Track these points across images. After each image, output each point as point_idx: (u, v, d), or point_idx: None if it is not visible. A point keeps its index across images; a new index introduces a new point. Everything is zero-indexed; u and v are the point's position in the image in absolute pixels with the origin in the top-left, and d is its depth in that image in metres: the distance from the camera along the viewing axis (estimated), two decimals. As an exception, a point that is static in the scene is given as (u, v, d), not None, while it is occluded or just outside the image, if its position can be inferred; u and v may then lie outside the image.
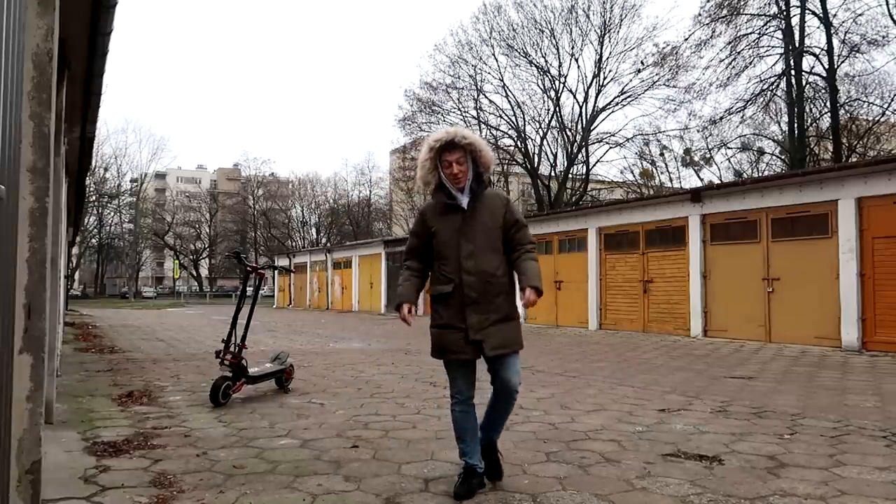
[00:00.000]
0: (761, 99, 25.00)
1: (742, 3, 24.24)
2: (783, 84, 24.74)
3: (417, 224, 3.50)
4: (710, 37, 24.91)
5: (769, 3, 24.32)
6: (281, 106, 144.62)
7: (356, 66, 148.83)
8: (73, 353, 10.56)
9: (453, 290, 3.27)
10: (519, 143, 33.62)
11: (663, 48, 28.41)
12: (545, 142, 33.19)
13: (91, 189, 45.52)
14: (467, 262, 3.26)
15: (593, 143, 32.27)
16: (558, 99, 31.90)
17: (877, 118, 24.72)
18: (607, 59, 30.78)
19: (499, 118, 33.90)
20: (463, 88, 33.70)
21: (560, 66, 31.57)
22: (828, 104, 24.03)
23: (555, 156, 33.21)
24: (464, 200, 3.34)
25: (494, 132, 34.03)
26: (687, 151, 32.89)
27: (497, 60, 32.98)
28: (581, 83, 33.39)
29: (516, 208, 3.46)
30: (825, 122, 24.81)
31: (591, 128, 31.62)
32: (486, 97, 33.95)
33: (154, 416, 5.36)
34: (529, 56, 31.88)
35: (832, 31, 23.13)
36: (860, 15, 22.57)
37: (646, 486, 3.48)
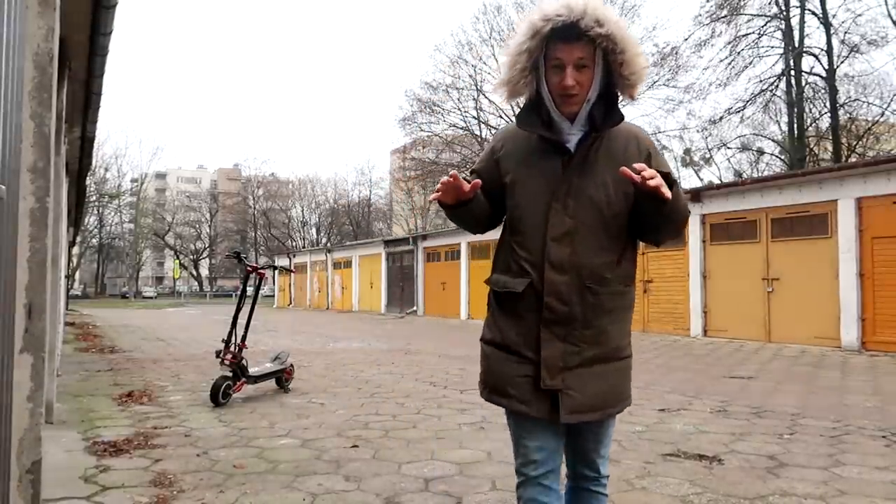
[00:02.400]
0: (761, 99, 25.04)
1: (742, 3, 24.26)
2: (783, 84, 24.77)
3: (483, 160, 2.01)
4: (710, 37, 24.95)
5: (769, 4, 24.36)
6: (281, 106, 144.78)
7: (356, 67, 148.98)
8: (73, 352, 10.56)
9: (526, 291, 1.84)
10: (519, 142, 33.58)
11: (663, 48, 28.41)
12: (545, 142, 33.13)
13: (91, 189, 45.55)
14: (558, 248, 1.80)
15: (593, 143, 32.25)
16: (558, 99, 31.87)
17: (876, 118, 24.74)
18: (607, 58, 30.76)
19: (499, 118, 33.93)
20: (463, 88, 33.77)
21: (560, 66, 31.57)
22: (827, 104, 24.05)
23: (555, 156, 33.20)
24: (572, 136, 1.84)
25: (494, 132, 34.07)
26: (687, 151, 32.91)
27: (497, 60, 32.99)
28: (581, 83, 33.37)
29: (665, 160, 1.92)
30: (825, 122, 24.84)
31: (591, 128, 31.59)
32: (486, 97, 33.99)
33: (154, 415, 5.36)
34: (529, 56, 31.86)
35: (832, 32, 23.16)
36: (860, 15, 22.69)
37: (646, 486, 3.48)
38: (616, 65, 1.76)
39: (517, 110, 1.96)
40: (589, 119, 1.83)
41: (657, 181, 1.64)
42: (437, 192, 1.83)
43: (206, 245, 72.58)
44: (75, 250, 45.13)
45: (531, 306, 1.83)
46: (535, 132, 1.87)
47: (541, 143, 1.87)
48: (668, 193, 1.66)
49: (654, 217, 1.78)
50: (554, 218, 1.81)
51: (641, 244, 1.97)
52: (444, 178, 1.80)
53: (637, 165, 1.66)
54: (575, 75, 1.75)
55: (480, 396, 2.01)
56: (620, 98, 1.85)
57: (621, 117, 1.83)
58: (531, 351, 1.83)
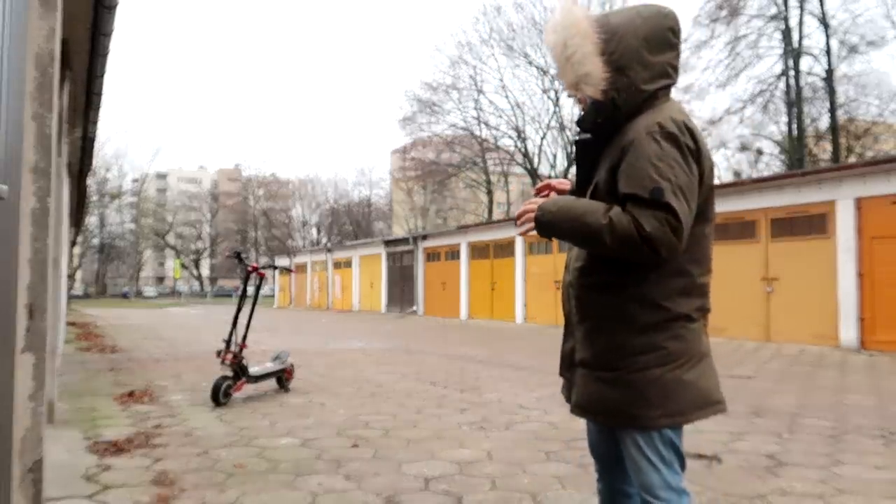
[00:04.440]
0: (760, 99, 25.09)
1: (741, 4, 24.28)
2: (782, 84, 24.83)
3: None
4: (710, 38, 24.99)
5: (768, 4, 24.38)
6: (281, 106, 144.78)
7: (356, 67, 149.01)
8: (74, 352, 10.58)
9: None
10: (519, 143, 33.70)
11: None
12: (545, 142, 33.25)
13: (92, 189, 45.58)
14: (570, 251, 1.97)
15: (593, 143, 32.25)
16: (558, 99, 31.92)
17: (875, 119, 24.74)
18: (607, 59, 30.74)
19: (499, 118, 33.98)
20: (463, 89, 33.82)
21: (560, 66, 31.57)
22: (826, 104, 24.08)
23: (555, 156, 33.27)
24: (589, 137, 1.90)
25: (494, 132, 34.12)
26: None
27: (497, 61, 33.09)
28: (581, 83, 33.38)
29: (652, 152, 1.64)
30: (824, 122, 24.88)
31: (591, 128, 31.60)
32: (485, 97, 34.03)
33: (155, 415, 5.37)
34: (529, 57, 31.96)
35: (831, 32, 23.20)
36: (859, 16, 22.77)
37: (644, 485, 3.49)
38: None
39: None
40: (595, 121, 1.83)
41: (519, 223, 1.86)
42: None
43: (207, 245, 72.61)
44: (76, 250, 45.16)
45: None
46: (577, 137, 1.97)
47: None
48: (522, 230, 1.87)
49: None
50: None
51: None
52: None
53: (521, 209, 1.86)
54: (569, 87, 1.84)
55: None
56: (616, 97, 1.75)
57: (588, 119, 1.81)
58: (563, 344, 2.02)
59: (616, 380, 1.76)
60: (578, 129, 1.88)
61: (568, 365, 1.96)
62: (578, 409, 1.89)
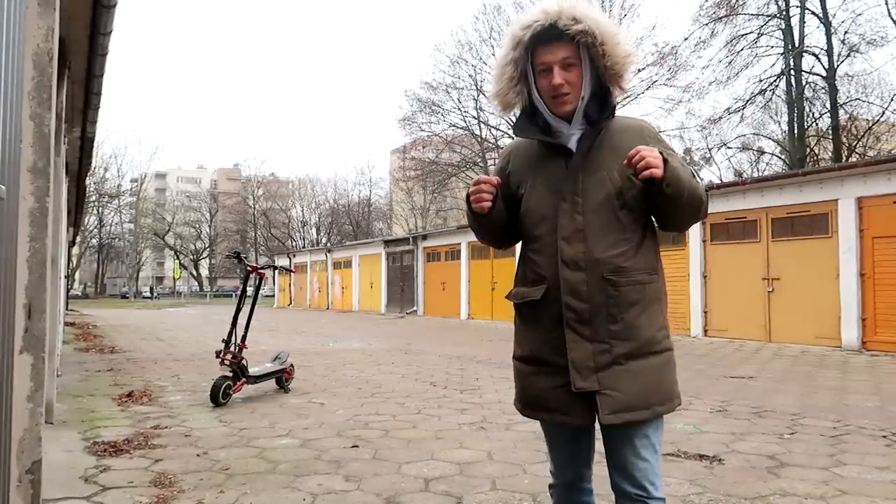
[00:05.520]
0: (761, 98, 25.05)
1: (741, 2, 24.26)
2: (783, 84, 24.78)
3: (497, 170, 2.03)
4: (710, 36, 24.96)
5: (768, 3, 24.36)
6: (281, 106, 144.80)
7: (356, 67, 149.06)
8: (73, 352, 10.56)
9: (545, 296, 1.80)
10: (519, 142, 33.64)
11: (662, 48, 28.42)
12: (545, 142, 33.17)
13: (91, 189, 45.57)
14: (571, 246, 1.77)
15: (593, 143, 32.26)
16: (558, 99, 31.88)
17: (876, 118, 24.73)
18: (607, 58, 30.76)
19: (499, 118, 33.94)
20: (463, 88, 33.80)
21: (560, 65, 31.59)
22: (827, 104, 24.05)
23: (555, 155, 33.26)
24: (572, 136, 1.84)
25: (494, 132, 34.13)
26: (687, 151, 32.92)
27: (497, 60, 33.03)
28: (581, 83, 33.39)
29: (669, 146, 1.89)
30: (825, 121, 24.83)
31: (591, 127, 31.61)
32: (486, 97, 33.99)
33: (154, 415, 5.36)
34: (529, 56, 31.91)
35: (832, 31, 23.16)
36: (860, 15, 22.77)
37: (646, 486, 3.48)
38: (598, 57, 1.76)
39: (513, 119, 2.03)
40: (586, 117, 1.83)
41: (644, 162, 1.61)
42: (480, 196, 1.82)
43: (206, 245, 72.55)
44: (75, 250, 45.17)
45: (552, 311, 1.79)
46: (534, 138, 1.90)
47: (544, 149, 1.89)
48: (657, 172, 1.62)
49: (661, 202, 1.74)
50: (563, 218, 1.79)
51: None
52: (486, 183, 1.81)
53: (632, 151, 1.65)
54: (563, 74, 1.78)
55: (521, 414, 1.96)
56: (615, 93, 1.84)
57: (614, 108, 1.85)
58: (561, 357, 1.77)
59: (666, 361, 1.80)
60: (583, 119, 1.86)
61: (591, 369, 1.73)
62: (629, 410, 1.71)
